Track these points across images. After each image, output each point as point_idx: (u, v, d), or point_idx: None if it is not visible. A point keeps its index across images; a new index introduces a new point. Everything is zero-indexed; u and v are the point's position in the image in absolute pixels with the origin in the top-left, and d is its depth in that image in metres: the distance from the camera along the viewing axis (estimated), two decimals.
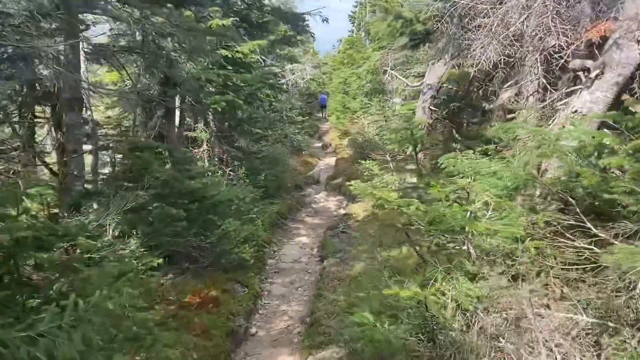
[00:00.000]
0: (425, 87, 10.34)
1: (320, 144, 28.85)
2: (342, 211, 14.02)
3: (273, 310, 8.10)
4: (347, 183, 12.35)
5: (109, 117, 12.96)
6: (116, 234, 7.33)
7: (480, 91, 11.46)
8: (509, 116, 8.50)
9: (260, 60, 19.41)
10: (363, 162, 12.32)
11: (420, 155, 11.24)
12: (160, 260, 6.89)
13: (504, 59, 8.25)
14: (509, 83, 10.61)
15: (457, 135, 10.86)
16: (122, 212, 6.77)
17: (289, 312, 8.01)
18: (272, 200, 13.86)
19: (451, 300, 4.26)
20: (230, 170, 13.18)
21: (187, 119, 13.83)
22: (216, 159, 13.38)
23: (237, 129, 13.46)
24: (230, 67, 12.08)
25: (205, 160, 12.77)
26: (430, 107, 10.37)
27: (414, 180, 10.20)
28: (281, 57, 20.07)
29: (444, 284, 4.34)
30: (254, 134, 13.31)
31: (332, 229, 11.44)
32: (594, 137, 4.37)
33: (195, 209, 8.38)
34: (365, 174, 12.35)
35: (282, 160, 17.74)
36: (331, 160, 23.27)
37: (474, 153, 6.93)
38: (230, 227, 8.37)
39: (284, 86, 21.68)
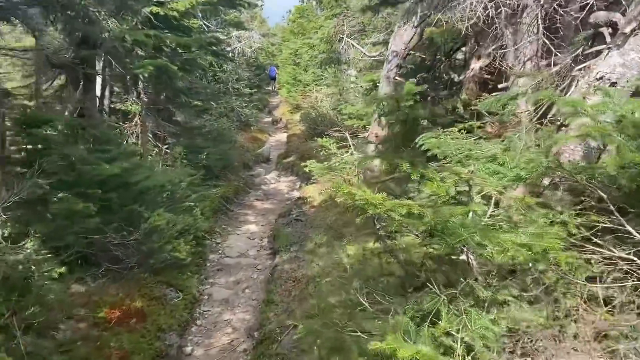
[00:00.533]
0: (390, 55, 8.98)
1: (270, 119, 27.18)
2: (295, 194, 12.62)
3: (214, 320, 6.67)
4: (302, 164, 10.95)
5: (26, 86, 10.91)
6: (5, 234, 5.64)
7: (447, 60, 10.23)
8: (502, 86, 7.24)
9: (203, 26, 17.52)
10: (319, 139, 10.87)
11: (379, 133, 9.93)
12: (63, 269, 5.36)
13: (484, 18, 6.97)
14: (485, 48, 9.40)
15: (425, 111, 9.62)
16: (13, 205, 5.14)
17: (233, 321, 6.62)
18: (215, 182, 12.29)
19: (460, 344, 2.96)
20: (166, 149, 11.49)
21: (116, 89, 11.95)
22: (149, 135, 11.63)
23: (175, 101, 11.70)
24: (163, 28, 10.29)
25: (136, 138, 11.01)
26: (396, 77, 9.03)
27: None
28: (226, 24, 18.15)
29: (449, 319, 3.03)
30: (193, 106, 11.58)
31: (285, 216, 10.04)
32: None
33: (116, 198, 6.78)
34: (321, 152, 10.96)
35: (227, 137, 16.13)
36: (282, 137, 21.72)
37: (459, 131, 5.65)
38: (161, 220, 6.80)
39: (230, 55, 19.81)
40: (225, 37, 20.12)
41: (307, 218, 9.60)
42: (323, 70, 20.35)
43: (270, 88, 34.08)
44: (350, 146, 10.49)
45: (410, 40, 8.93)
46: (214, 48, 14.02)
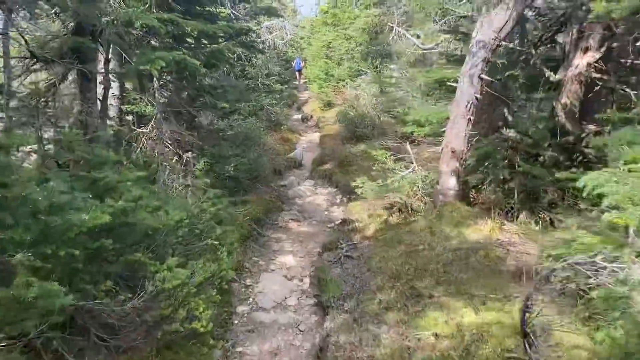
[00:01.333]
0: (475, 46, 6.74)
1: (299, 116, 25.01)
2: (337, 212, 10.49)
3: None
4: (352, 182, 8.80)
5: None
6: None
7: (536, 52, 7.94)
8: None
9: (231, 15, 15.48)
10: (372, 151, 8.71)
11: (457, 147, 7.76)
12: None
13: None
14: (593, 38, 7.14)
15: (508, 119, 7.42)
16: None
17: None
18: (244, 197, 10.24)
19: None
20: (188, 158, 9.46)
21: (127, 86, 9.96)
22: (168, 142, 9.61)
23: (197, 103, 9.64)
24: (184, 14, 8.22)
25: (151, 146, 9.02)
26: (482, 75, 6.79)
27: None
28: (256, 12, 16.05)
29: None
30: (220, 108, 9.51)
31: (331, 249, 7.90)
32: None
33: (111, 244, 4.75)
34: (374, 167, 8.80)
35: (257, 139, 14.04)
36: (314, 137, 19.56)
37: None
38: (173, 280, 4.73)
39: (260, 47, 17.71)
40: (256, 28, 18.04)
41: (360, 254, 7.45)
42: (362, 65, 18.12)
43: (296, 82, 32.23)
44: (413, 161, 8.27)
45: (503, 26, 6.67)
46: (244, 39, 11.97)
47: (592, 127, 7.61)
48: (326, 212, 10.66)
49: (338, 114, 16.10)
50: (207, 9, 10.10)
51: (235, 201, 9.95)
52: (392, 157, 8.57)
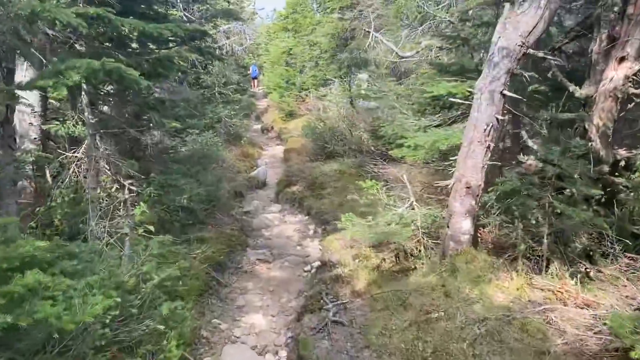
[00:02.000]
0: (496, 55, 5.21)
1: (259, 126, 23.17)
2: (312, 248, 8.78)
3: None
4: (340, 225, 7.06)
5: None
6: None
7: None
8: None
9: (184, 17, 13.57)
10: (362, 183, 7.03)
11: (472, 182, 6.19)
12: None
13: None
14: (631, 45, 5.80)
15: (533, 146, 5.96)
16: None
17: None
18: (201, 233, 8.38)
19: None
20: (131, 188, 7.55)
21: (52, 101, 7.97)
22: (106, 168, 7.66)
23: (140, 122, 7.73)
24: (122, 10, 6.33)
25: (84, 176, 7.08)
26: (505, 91, 5.24)
27: None
28: (212, 14, 14.15)
29: None
30: (168, 126, 7.63)
31: (313, 311, 6.12)
32: None
33: None
34: (363, 198, 7.16)
35: (214, 157, 12.19)
36: (277, 151, 17.80)
37: None
38: None
39: (217, 53, 15.81)
40: (212, 32, 16.12)
41: (352, 318, 5.72)
42: (329, 73, 16.51)
43: (253, 90, 30.60)
44: (410, 194, 6.65)
45: (532, 30, 5.15)
46: (199, 43, 10.11)
47: (622, 152, 6.24)
48: (299, 247, 8.92)
49: (304, 128, 14.41)
50: (155, 7, 8.22)
51: (189, 239, 8.10)
52: (384, 187, 6.92)
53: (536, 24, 5.15)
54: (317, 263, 7.77)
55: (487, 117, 5.41)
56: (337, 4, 16.97)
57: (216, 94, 15.50)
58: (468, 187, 5.58)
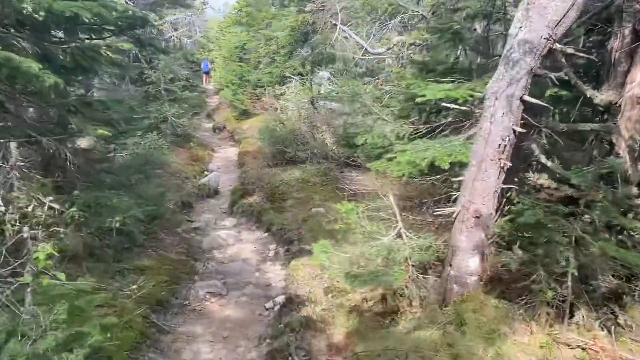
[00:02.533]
0: (516, 50, 4.05)
1: (210, 125, 21.44)
2: (274, 274, 7.42)
3: None
4: (315, 261, 5.61)
5: None
6: None
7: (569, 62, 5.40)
8: None
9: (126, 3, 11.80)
10: (338, 205, 5.68)
11: (483, 210, 5.03)
12: None
13: None
14: None
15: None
16: None
17: None
18: (138, 262, 6.85)
19: None
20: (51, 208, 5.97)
21: None
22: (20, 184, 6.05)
23: (64, 125, 6.11)
24: None
25: None
26: (526, 96, 4.06)
27: None
28: (156, 3, 12.45)
29: None
30: (93, 132, 6.01)
31: None
32: None
33: None
34: (337, 224, 5.84)
35: (158, 163, 10.59)
36: (230, 153, 16.22)
37: None
38: None
39: (162, 45, 14.09)
40: (157, 23, 14.38)
41: None
42: (287, 70, 15.09)
43: (204, 86, 28.90)
44: (397, 221, 5.37)
45: (562, 19, 3.99)
46: (139, 33, 8.56)
47: None
48: (258, 274, 7.53)
49: (261, 130, 12.94)
50: None
51: (123, 270, 6.57)
52: (363, 209, 5.62)
53: (567, 12, 3.99)
54: (281, 297, 6.40)
55: (502, 129, 4.22)
56: None
57: (162, 91, 13.78)
58: (477, 217, 4.37)
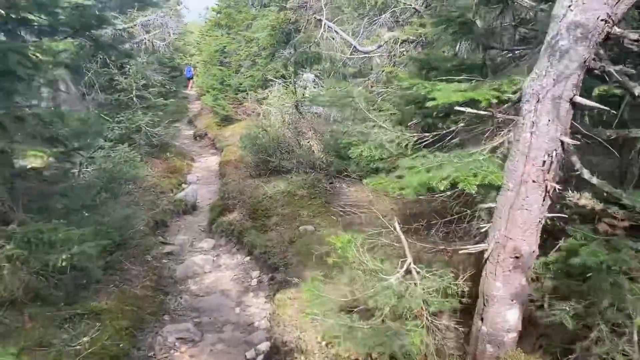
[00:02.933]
0: (565, 36, 2.93)
1: (191, 132, 20.27)
2: (256, 310, 6.28)
3: None
4: (306, 311, 4.47)
5: None
6: None
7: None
8: None
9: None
10: (332, 238, 4.52)
11: (524, 248, 3.86)
12: None
13: None
14: None
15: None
16: None
17: None
18: (94, 303, 5.68)
19: None
20: None
21: None
22: None
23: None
24: None
25: None
26: (577, 97, 2.98)
27: None
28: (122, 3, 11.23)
29: None
30: (21, 155, 4.84)
31: None
32: None
33: None
34: (332, 259, 4.69)
35: (126, 178, 9.46)
36: (211, 162, 15.04)
37: None
38: None
39: (134, 49, 12.84)
40: (127, 25, 13.15)
41: None
42: (269, 72, 13.93)
43: (186, 91, 27.91)
44: (405, 255, 4.26)
45: None
46: (96, 33, 7.44)
47: None
48: (238, 310, 6.38)
49: (242, 138, 11.77)
50: None
51: (73, 316, 5.40)
52: (363, 241, 4.51)
53: None
54: (265, 345, 5.27)
55: (547, 140, 3.15)
56: None
57: (134, 98, 12.53)
58: (517, 257, 3.29)
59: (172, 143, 14.89)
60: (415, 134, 5.12)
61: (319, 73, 12.23)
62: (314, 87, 12.84)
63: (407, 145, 5.09)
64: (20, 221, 5.35)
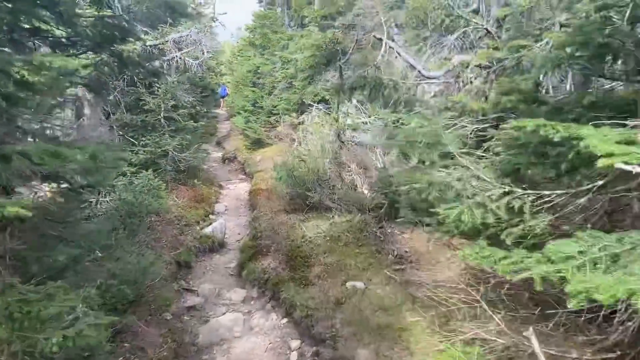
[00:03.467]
0: None
1: (219, 154, 19.10)
2: None
3: None
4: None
5: None
6: None
7: None
8: None
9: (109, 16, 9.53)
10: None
11: None
12: None
13: None
14: None
15: None
16: None
17: None
18: None
19: None
20: None
21: None
22: None
23: None
24: None
25: None
26: None
27: None
28: (152, 14, 10.14)
29: None
30: None
31: None
32: None
33: None
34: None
35: (147, 211, 8.25)
36: (240, 190, 13.75)
37: None
38: None
39: (164, 67, 11.77)
40: (158, 42, 12.11)
41: None
42: (307, 96, 12.67)
43: (218, 110, 27.37)
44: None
45: None
46: (120, 49, 6.29)
47: None
48: None
49: (277, 167, 10.45)
50: None
51: None
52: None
53: None
54: None
55: None
56: (316, 12, 13.27)
57: (161, 120, 11.39)
58: None
59: (200, 167, 13.67)
60: (534, 193, 3.68)
61: (364, 99, 10.88)
62: (357, 114, 11.50)
63: (522, 207, 3.65)
64: (5, 285, 4.06)
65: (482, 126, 6.04)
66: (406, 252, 7.19)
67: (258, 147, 17.14)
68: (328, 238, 7.70)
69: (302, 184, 9.44)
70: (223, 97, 27.01)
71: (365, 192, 9.25)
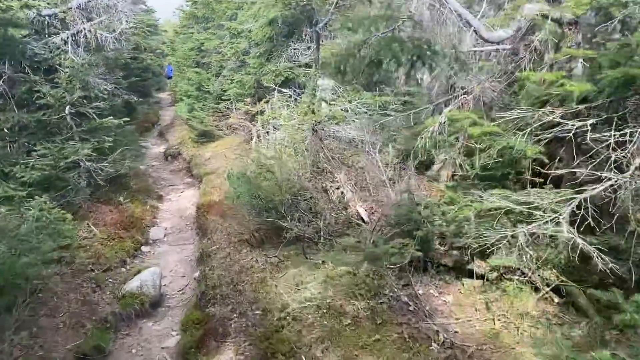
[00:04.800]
0: None
1: (161, 149, 15.38)
2: None
3: None
4: None
5: None
6: None
7: None
8: None
9: None
10: None
11: None
12: None
13: None
14: None
15: None
16: None
17: None
18: None
19: None
20: None
21: None
22: None
23: None
24: None
25: None
26: None
27: None
28: None
29: None
30: None
31: None
32: None
33: None
34: None
35: (38, 265, 4.75)
36: (186, 201, 10.27)
37: None
38: None
39: (68, 44, 8.03)
40: (56, 10, 8.33)
41: None
42: (266, 78, 9.21)
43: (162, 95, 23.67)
44: None
45: None
46: None
47: None
48: None
49: (231, 179, 7.10)
50: None
51: None
52: None
53: None
54: None
55: None
56: None
57: (66, 117, 7.73)
58: None
59: (132, 173, 10.05)
60: None
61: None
62: (332, 99, 8.26)
63: None
64: None
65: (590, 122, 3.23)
66: (456, 332, 4.17)
67: (207, 140, 13.58)
68: (324, 310, 4.53)
69: (271, 206, 6.18)
70: (169, 78, 23.08)
71: (363, 214, 6.13)
